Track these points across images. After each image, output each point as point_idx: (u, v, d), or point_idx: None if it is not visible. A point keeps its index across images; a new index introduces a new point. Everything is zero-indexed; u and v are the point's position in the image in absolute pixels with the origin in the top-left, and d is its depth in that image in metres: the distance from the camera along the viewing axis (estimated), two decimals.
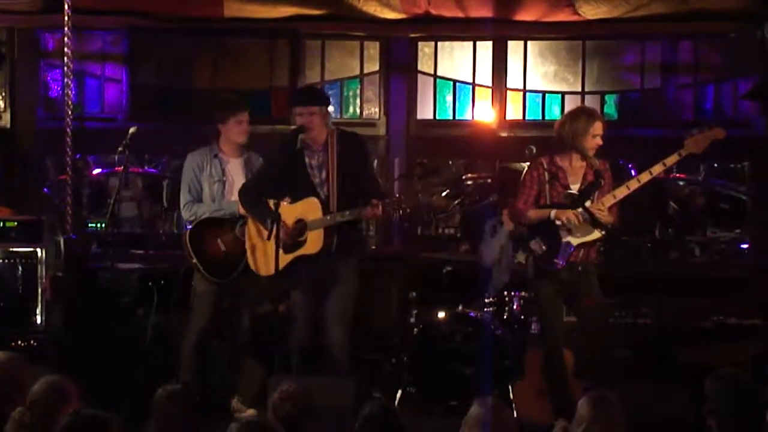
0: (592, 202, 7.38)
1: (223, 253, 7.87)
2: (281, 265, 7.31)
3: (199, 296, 7.97)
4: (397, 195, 7.82)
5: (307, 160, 7.54)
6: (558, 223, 7.40)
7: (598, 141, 7.46)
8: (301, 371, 7.43)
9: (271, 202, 7.28)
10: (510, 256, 8.18)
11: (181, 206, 8.11)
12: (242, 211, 7.78)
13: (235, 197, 7.85)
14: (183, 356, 7.96)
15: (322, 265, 7.47)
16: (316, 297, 7.58)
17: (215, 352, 8.25)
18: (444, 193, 11.59)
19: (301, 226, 7.44)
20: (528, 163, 7.81)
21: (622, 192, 7.45)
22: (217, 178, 7.99)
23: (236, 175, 7.96)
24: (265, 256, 7.57)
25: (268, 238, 7.27)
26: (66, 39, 8.85)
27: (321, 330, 7.61)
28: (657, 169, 7.42)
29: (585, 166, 7.52)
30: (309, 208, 7.44)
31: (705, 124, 7.59)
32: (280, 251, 7.28)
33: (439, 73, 10.93)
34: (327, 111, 7.68)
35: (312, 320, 7.63)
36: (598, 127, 7.48)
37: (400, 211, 7.47)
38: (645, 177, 7.42)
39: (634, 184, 7.44)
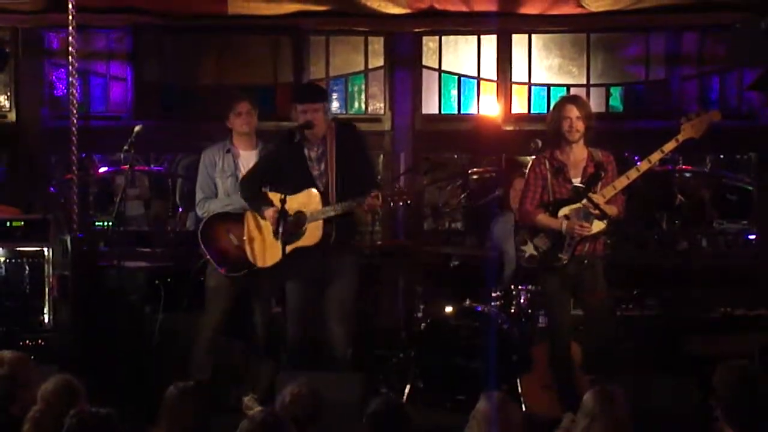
0: (594, 194, 7.38)
1: (236, 247, 7.88)
2: (279, 258, 7.32)
3: (212, 292, 7.99)
4: (398, 186, 7.81)
5: (306, 152, 7.55)
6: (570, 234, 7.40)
7: (573, 123, 7.43)
8: (293, 367, 7.40)
9: (278, 197, 7.30)
10: (513, 248, 8.12)
11: (196, 204, 8.16)
12: None
13: None
14: (195, 354, 7.98)
15: (320, 259, 7.47)
16: (312, 292, 7.59)
17: (227, 349, 8.27)
18: (449, 188, 11.59)
19: (301, 217, 7.44)
20: (533, 157, 7.80)
21: (621, 183, 7.44)
22: (230, 172, 8.00)
23: (249, 167, 7.96)
24: (263, 248, 7.60)
25: (274, 234, 7.30)
26: (70, 38, 8.84)
27: (321, 326, 7.61)
28: (655, 156, 7.41)
29: (586, 159, 7.51)
30: (308, 200, 7.45)
31: (702, 109, 7.58)
32: (279, 243, 7.29)
33: (443, 68, 10.89)
34: (329, 106, 7.72)
35: (305, 315, 7.64)
36: (569, 110, 7.46)
37: (401, 202, 7.49)
38: (644, 166, 7.41)
39: (633, 174, 7.44)
